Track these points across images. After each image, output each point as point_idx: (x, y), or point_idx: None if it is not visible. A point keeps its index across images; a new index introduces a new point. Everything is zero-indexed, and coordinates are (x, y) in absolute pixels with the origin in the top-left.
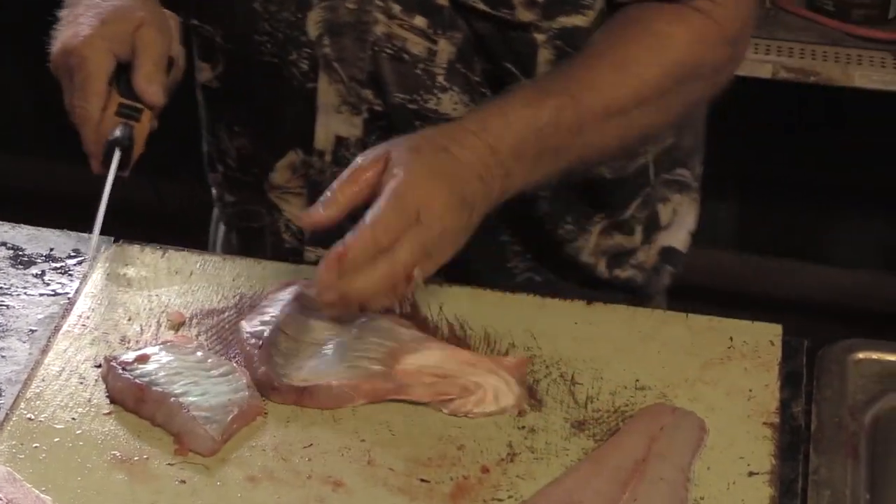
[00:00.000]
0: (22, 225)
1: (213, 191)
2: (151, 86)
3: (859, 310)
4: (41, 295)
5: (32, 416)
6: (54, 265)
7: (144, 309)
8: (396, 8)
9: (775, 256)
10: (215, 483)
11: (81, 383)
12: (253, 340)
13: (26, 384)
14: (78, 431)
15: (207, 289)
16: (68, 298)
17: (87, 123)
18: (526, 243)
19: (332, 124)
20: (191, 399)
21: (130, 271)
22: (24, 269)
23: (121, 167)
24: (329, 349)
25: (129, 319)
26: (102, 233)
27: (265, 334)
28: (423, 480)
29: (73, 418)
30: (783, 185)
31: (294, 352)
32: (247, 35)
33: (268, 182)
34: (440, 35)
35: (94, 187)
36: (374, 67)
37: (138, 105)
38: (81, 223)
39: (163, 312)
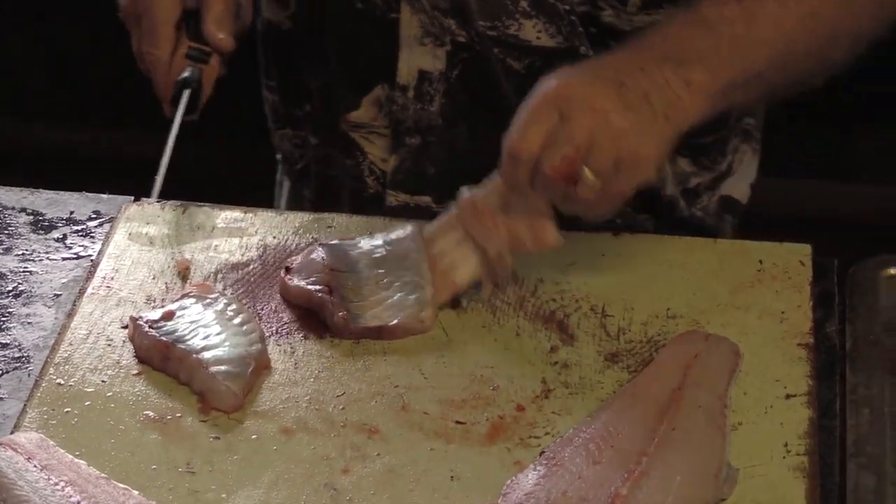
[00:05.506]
0: (40, 190)
1: (281, 147)
2: (220, 30)
3: (888, 225)
4: (64, 259)
5: (62, 381)
6: (75, 228)
7: (168, 267)
8: None
9: (800, 177)
10: (250, 437)
11: (109, 345)
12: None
13: (54, 349)
14: (108, 393)
15: (231, 243)
16: (91, 261)
17: (157, 68)
18: None
19: (414, 58)
20: (211, 354)
21: (152, 230)
22: (46, 233)
23: (190, 111)
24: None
25: (154, 278)
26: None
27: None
28: (458, 422)
29: (103, 381)
30: (804, 101)
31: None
32: None
33: (351, 121)
34: None
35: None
36: None
37: (207, 48)
38: (99, 185)
39: (187, 269)
